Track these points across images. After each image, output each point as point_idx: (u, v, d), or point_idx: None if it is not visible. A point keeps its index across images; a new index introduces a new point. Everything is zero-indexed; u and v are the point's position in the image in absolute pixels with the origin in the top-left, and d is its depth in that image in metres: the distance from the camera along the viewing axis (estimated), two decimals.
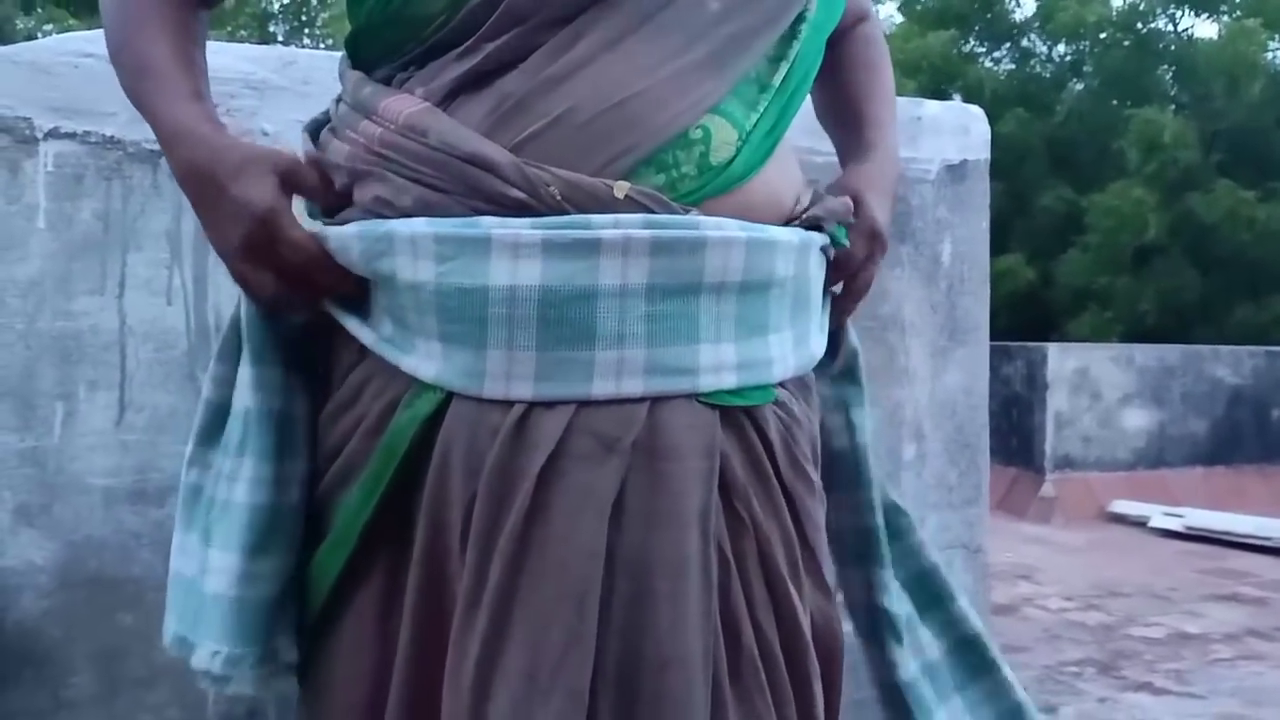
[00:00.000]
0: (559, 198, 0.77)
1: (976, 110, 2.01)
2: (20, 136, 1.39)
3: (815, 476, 0.91)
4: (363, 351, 0.85)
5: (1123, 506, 6.37)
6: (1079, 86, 11.65)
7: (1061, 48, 11.74)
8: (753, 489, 0.83)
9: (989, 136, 1.99)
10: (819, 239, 0.91)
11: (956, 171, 1.94)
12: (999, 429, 5.38)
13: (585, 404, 0.78)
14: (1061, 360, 6.66)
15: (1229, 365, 7.11)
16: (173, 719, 1.44)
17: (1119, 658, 3.48)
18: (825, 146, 1.14)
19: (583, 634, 0.76)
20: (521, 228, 0.77)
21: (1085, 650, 3.57)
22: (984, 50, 12.24)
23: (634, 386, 0.79)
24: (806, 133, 1.48)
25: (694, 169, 0.81)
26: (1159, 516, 6.05)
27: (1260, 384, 7.15)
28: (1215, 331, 9.77)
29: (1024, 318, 9.89)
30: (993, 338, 2.05)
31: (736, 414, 0.83)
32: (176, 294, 1.45)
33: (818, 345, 0.93)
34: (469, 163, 0.78)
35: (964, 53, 11.56)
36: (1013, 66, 12.11)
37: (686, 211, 0.80)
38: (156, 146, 1.45)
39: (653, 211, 0.78)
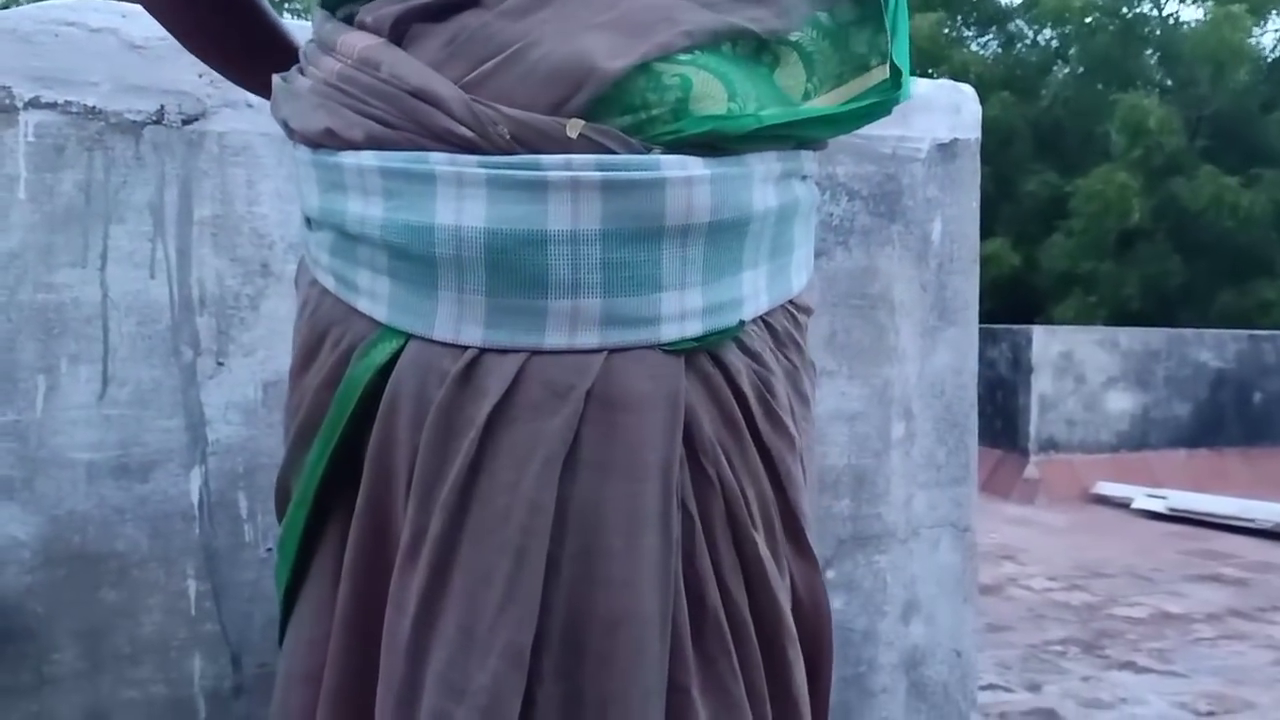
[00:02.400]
0: (508, 137, 0.73)
1: (968, 89, 1.99)
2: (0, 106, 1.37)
3: (795, 430, 0.85)
4: (323, 296, 0.83)
5: (1106, 488, 6.41)
6: (1064, 71, 11.67)
7: (1047, 32, 11.75)
8: (724, 445, 0.79)
9: (980, 115, 1.98)
10: (807, 160, 0.86)
11: (947, 150, 1.93)
12: (983, 411, 5.42)
13: (538, 352, 0.75)
14: (1046, 343, 6.69)
15: (1212, 349, 7.15)
16: (158, 695, 1.43)
17: (1102, 637, 3.51)
18: None
19: (524, 588, 0.73)
20: (467, 165, 0.74)
21: (1069, 630, 3.60)
22: (970, 34, 12.24)
23: (589, 339, 0.75)
24: None
25: (668, 112, 0.75)
26: (1142, 498, 6.09)
27: (1243, 367, 7.20)
28: (1199, 316, 9.83)
29: (1009, 302, 9.93)
30: (978, 320, 2.05)
31: (703, 364, 0.78)
32: (159, 267, 1.43)
33: (799, 278, 0.87)
34: (416, 97, 0.75)
35: (950, 36, 11.55)
36: (999, 50, 12.12)
37: (648, 150, 0.75)
38: (139, 118, 1.43)
39: (611, 151, 0.74)
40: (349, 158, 0.78)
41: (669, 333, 0.76)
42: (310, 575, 0.85)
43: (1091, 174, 9.81)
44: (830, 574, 1.83)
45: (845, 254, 1.84)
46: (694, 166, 0.75)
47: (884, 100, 0.84)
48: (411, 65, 0.76)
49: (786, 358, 0.86)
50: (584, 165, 0.73)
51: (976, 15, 11.99)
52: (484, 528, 0.74)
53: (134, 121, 1.42)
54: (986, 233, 9.49)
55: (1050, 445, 6.64)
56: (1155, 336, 7.09)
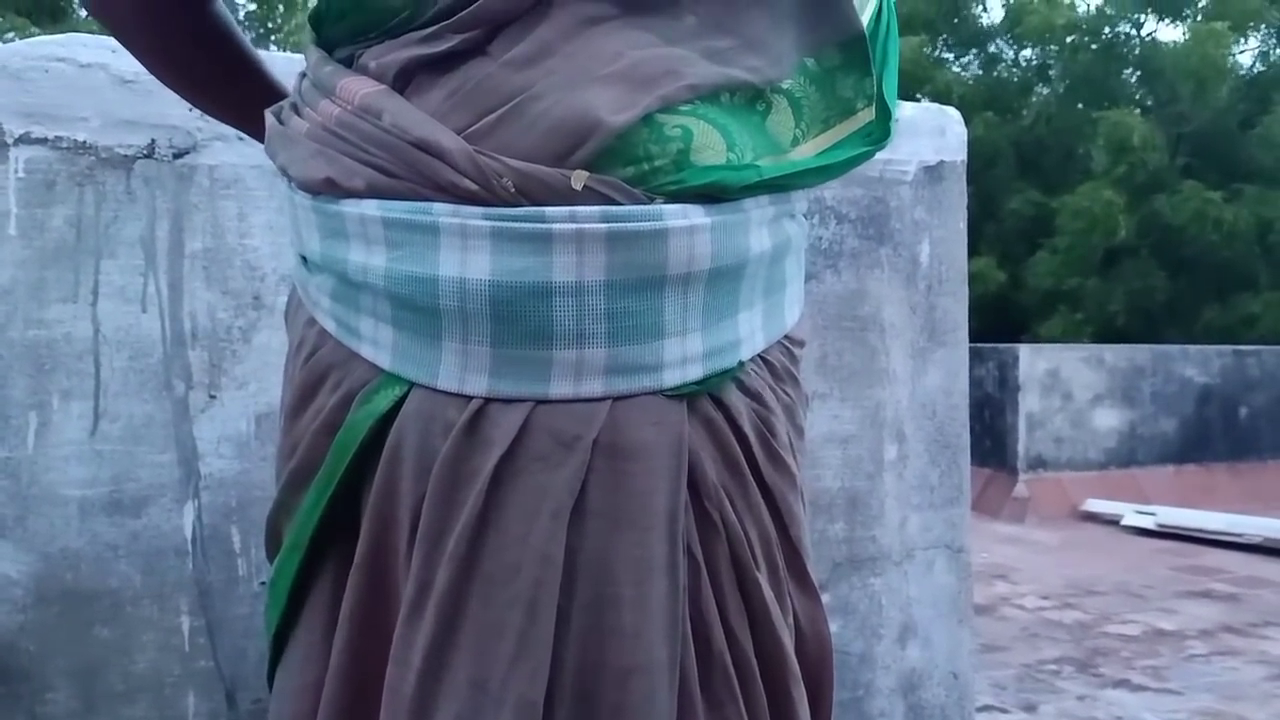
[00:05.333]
0: (513, 190, 0.73)
1: (953, 112, 2.01)
2: None
3: (795, 467, 0.85)
4: (322, 337, 0.82)
5: (1095, 505, 6.42)
6: (1046, 90, 11.76)
7: (1029, 52, 11.85)
8: (726, 488, 0.79)
9: (965, 137, 2.00)
10: (798, 200, 0.86)
11: (934, 173, 1.94)
12: (971, 430, 5.43)
13: (543, 401, 0.75)
14: (1033, 361, 6.72)
15: (1198, 365, 7.19)
16: None
17: (1096, 655, 3.51)
18: None
19: (536, 641, 0.72)
20: (471, 217, 0.73)
21: (1063, 649, 3.59)
22: (952, 55, 12.33)
23: (594, 387, 0.75)
24: None
25: (669, 163, 0.75)
26: (1131, 515, 6.10)
27: (1228, 383, 7.24)
28: (1184, 331, 9.89)
29: (995, 320, 9.96)
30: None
31: (705, 407, 0.78)
32: (151, 301, 1.43)
33: (792, 313, 0.87)
34: (419, 148, 0.74)
35: (932, 58, 11.63)
36: (980, 71, 12.21)
37: (651, 201, 0.75)
38: (129, 152, 1.43)
39: (615, 202, 0.74)
40: (350, 206, 0.77)
41: (671, 378, 0.76)
42: (301, 620, 0.84)
43: (1075, 191, 9.87)
44: (826, 598, 1.82)
45: (835, 277, 1.85)
46: (695, 215, 0.75)
47: (871, 149, 0.85)
48: (414, 115, 0.76)
49: (785, 392, 0.86)
50: (589, 217, 0.73)
51: (958, 37, 12.08)
52: (494, 580, 0.73)
53: (124, 156, 1.42)
54: (971, 251, 9.48)
55: (1039, 463, 6.65)
56: (1141, 353, 7.13)
